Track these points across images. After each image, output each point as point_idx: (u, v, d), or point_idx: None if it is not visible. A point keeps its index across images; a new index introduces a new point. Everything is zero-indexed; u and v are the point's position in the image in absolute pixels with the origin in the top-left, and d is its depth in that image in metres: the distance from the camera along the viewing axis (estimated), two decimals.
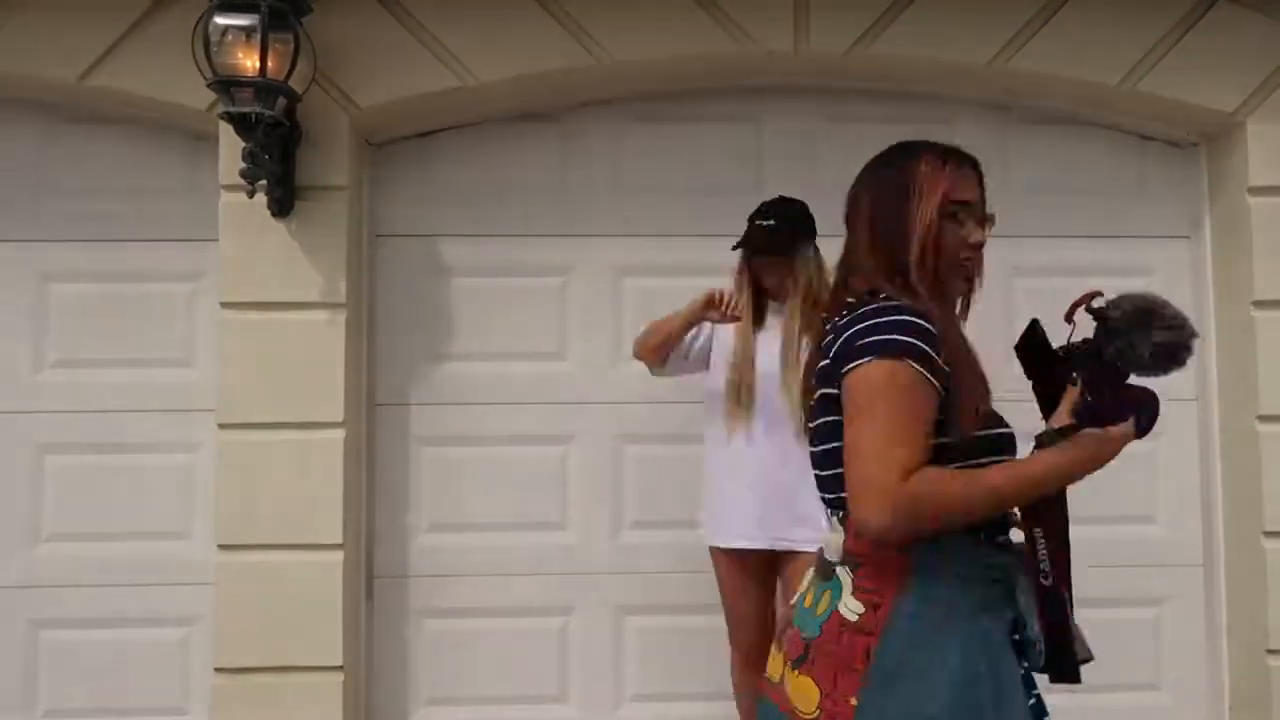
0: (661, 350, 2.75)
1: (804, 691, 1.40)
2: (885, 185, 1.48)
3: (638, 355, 2.82)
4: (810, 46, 3.07)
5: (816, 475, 1.51)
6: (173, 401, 3.16)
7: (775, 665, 1.49)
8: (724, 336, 2.71)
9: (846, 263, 1.51)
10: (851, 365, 1.35)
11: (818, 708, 1.38)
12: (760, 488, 2.58)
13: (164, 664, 3.13)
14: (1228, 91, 3.11)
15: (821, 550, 1.49)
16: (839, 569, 1.44)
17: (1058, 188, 3.33)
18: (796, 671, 1.43)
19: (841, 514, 1.45)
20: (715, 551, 2.71)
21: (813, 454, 1.51)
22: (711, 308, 2.67)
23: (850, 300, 1.46)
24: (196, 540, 3.13)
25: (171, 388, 3.16)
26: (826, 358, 1.43)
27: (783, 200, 2.68)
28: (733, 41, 3.06)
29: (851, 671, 1.36)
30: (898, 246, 1.44)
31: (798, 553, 2.52)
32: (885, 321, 1.36)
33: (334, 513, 2.95)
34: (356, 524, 3.09)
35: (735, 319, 2.68)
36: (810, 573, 1.51)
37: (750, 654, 2.66)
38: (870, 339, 1.35)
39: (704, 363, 2.77)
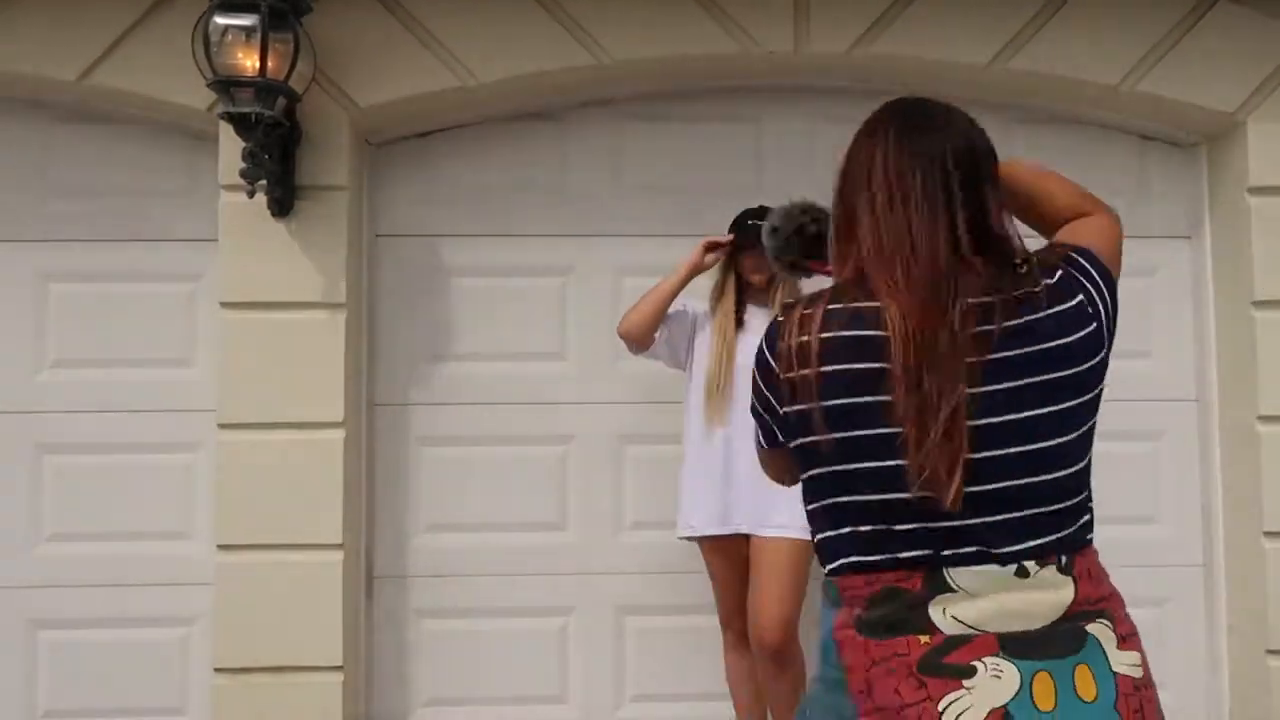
0: (654, 318, 2.80)
1: None
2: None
3: (624, 330, 2.85)
4: (810, 46, 3.07)
5: (1058, 508, 1.19)
6: (173, 401, 3.16)
7: None
8: (706, 332, 2.82)
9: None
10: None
11: None
12: (736, 477, 2.71)
13: (164, 664, 3.13)
14: (1228, 91, 3.11)
15: (1062, 621, 1.17)
16: (1091, 628, 1.17)
17: None
18: None
19: (1075, 555, 1.20)
20: (703, 542, 2.84)
21: (1057, 479, 1.20)
22: (710, 252, 2.78)
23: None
24: (196, 540, 3.13)
25: (171, 388, 3.16)
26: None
27: (764, 208, 2.74)
28: (733, 41, 3.06)
29: None
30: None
31: (768, 537, 2.69)
32: None
33: (334, 513, 2.95)
34: (356, 524, 3.09)
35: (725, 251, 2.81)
36: (1009, 668, 1.14)
37: (740, 635, 2.83)
38: None
39: (685, 349, 2.87)
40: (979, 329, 1.17)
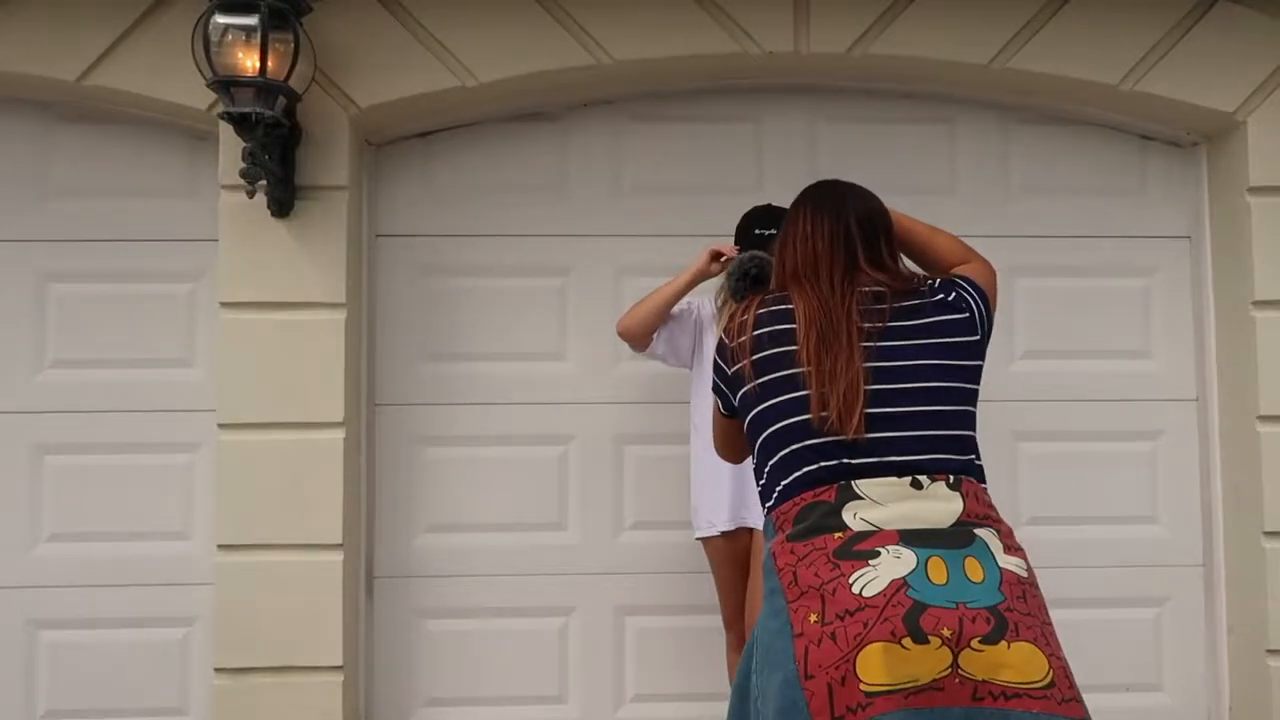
0: (653, 321, 2.80)
1: (1026, 660, 1.37)
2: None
3: (622, 328, 2.84)
4: (810, 46, 3.07)
5: (945, 435, 1.55)
6: (173, 401, 3.16)
7: (926, 660, 1.36)
8: (713, 334, 2.80)
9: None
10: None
11: (1048, 670, 1.38)
12: (745, 472, 2.65)
13: (164, 664, 3.13)
14: (1228, 91, 3.11)
15: (961, 524, 1.49)
16: (979, 531, 1.48)
17: (1058, 188, 3.33)
18: (1002, 644, 1.36)
19: (961, 476, 1.54)
20: (705, 542, 2.82)
21: (943, 413, 1.56)
22: (715, 262, 2.76)
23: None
24: (196, 540, 3.13)
25: (171, 388, 3.16)
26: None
27: (773, 210, 2.77)
28: (733, 41, 3.06)
29: (1049, 625, 1.46)
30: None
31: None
32: None
33: (334, 513, 2.95)
34: (356, 524, 3.09)
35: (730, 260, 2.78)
36: (907, 552, 1.43)
37: (742, 636, 2.79)
38: None
39: (690, 348, 2.85)
40: (874, 306, 1.60)
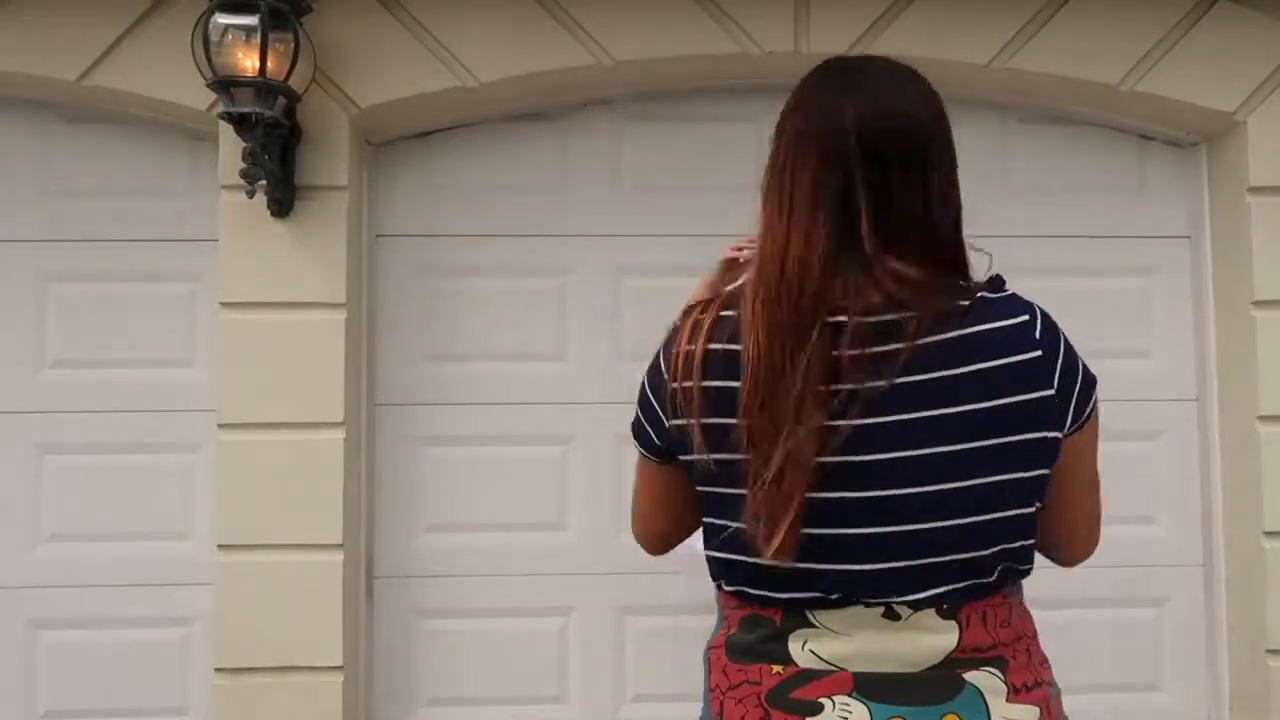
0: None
1: None
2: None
3: None
4: (810, 46, 3.07)
5: (977, 521, 1.06)
6: (173, 401, 3.16)
7: None
8: None
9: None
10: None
11: None
12: None
13: (164, 664, 3.13)
14: (1228, 91, 3.11)
15: (942, 667, 1.08)
16: (972, 676, 1.07)
17: (1058, 187, 3.33)
18: None
19: (967, 599, 1.08)
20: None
21: (977, 487, 1.05)
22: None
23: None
24: (196, 540, 3.13)
25: (171, 388, 3.16)
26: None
27: None
28: (733, 41, 3.06)
29: None
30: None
31: None
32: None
33: (334, 513, 2.95)
34: (356, 524, 3.09)
35: None
36: (859, 708, 1.07)
37: None
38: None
39: None
40: (849, 352, 1.03)
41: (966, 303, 1.06)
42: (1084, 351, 1.23)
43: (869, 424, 1.03)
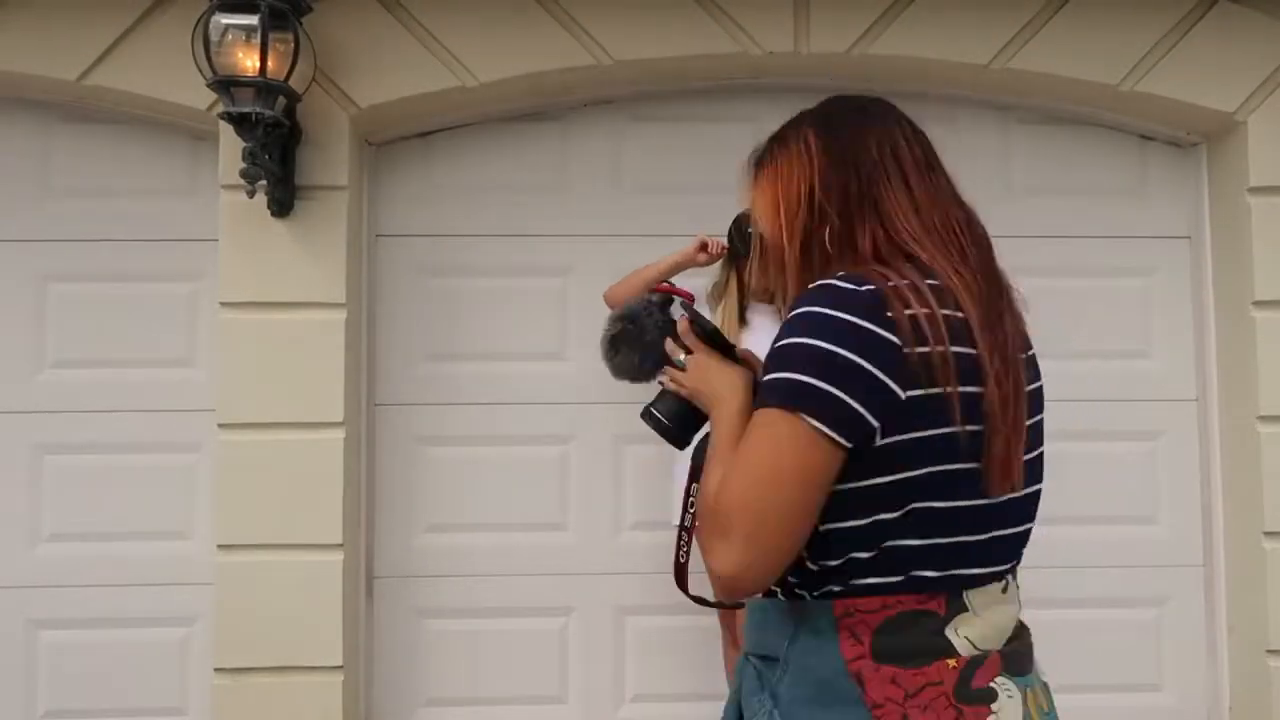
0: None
1: None
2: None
3: (608, 299, 2.85)
4: (810, 46, 3.07)
5: (1036, 491, 1.14)
6: (173, 401, 3.16)
7: None
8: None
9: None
10: None
11: None
12: None
13: (164, 664, 3.13)
14: (1228, 91, 3.11)
15: (1022, 633, 1.13)
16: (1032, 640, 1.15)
17: (1058, 188, 3.33)
18: None
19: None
20: None
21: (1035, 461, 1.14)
22: (703, 252, 2.76)
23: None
24: (196, 540, 3.13)
25: (171, 388, 3.16)
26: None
27: None
28: (733, 41, 3.06)
29: None
30: None
31: None
32: None
33: (334, 513, 2.95)
34: (356, 524, 3.09)
35: (717, 258, 2.79)
36: (1011, 685, 1.06)
37: (738, 632, 2.81)
38: None
39: None
40: (1017, 326, 1.13)
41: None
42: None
43: (1030, 390, 1.13)
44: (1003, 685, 1.05)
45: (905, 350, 1.02)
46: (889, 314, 1.02)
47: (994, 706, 1.03)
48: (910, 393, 1.02)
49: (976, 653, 1.05)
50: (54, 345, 3.18)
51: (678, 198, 3.25)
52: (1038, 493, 1.14)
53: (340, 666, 2.94)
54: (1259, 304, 3.09)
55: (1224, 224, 3.24)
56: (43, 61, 3.00)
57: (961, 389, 1.03)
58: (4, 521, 3.14)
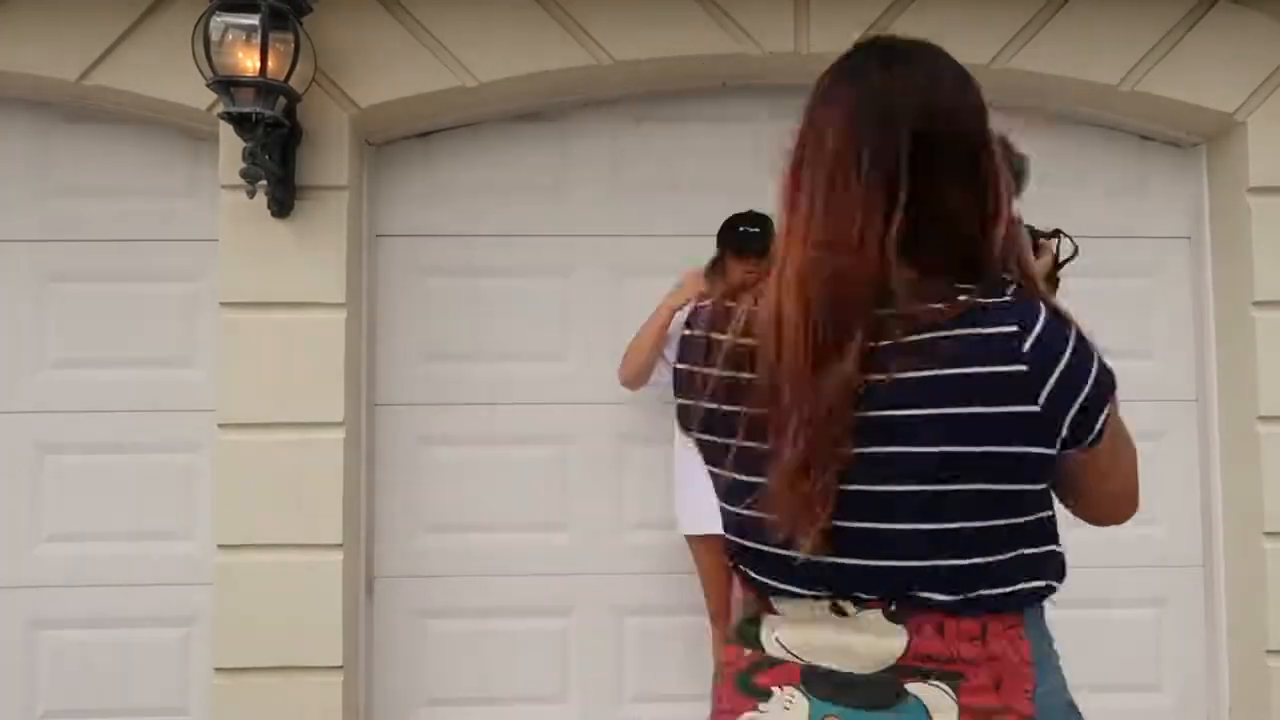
0: (650, 363, 2.89)
1: None
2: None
3: (626, 379, 2.96)
4: (810, 46, 3.07)
5: (913, 529, 1.02)
6: (173, 401, 3.16)
7: None
8: None
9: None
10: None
11: None
12: None
13: (164, 664, 3.13)
14: (1228, 91, 3.11)
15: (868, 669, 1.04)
16: (917, 688, 1.02)
17: (1058, 187, 3.32)
18: None
19: (913, 607, 1.03)
20: (691, 539, 2.89)
21: (935, 494, 1.02)
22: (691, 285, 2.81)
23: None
24: (196, 540, 3.13)
25: (171, 388, 3.16)
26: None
27: (755, 213, 2.87)
28: (733, 41, 3.06)
29: None
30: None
31: None
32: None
33: (334, 513, 2.94)
34: (356, 524, 3.09)
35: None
36: (800, 701, 1.05)
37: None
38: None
39: None
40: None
41: (940, 306, 1.01)
42: None
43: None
44: (786, 694, 1.05)
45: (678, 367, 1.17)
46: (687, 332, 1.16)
47: (762, 707, 1.06)
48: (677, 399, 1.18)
49: (781, 655, 1.07)
50: (54, 345, 3.17)
51: (678, 198, 3.25)
52: (906, 531, 1.01)
53: (340, 666, 2.94)
54: (1259, 304, 3.09)
55: (1224, 224, 3.24)
56: (43, 61, 3.00)
57: (724, 407, 1.07)
58: (4, 521, 3.13)
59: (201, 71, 2.67)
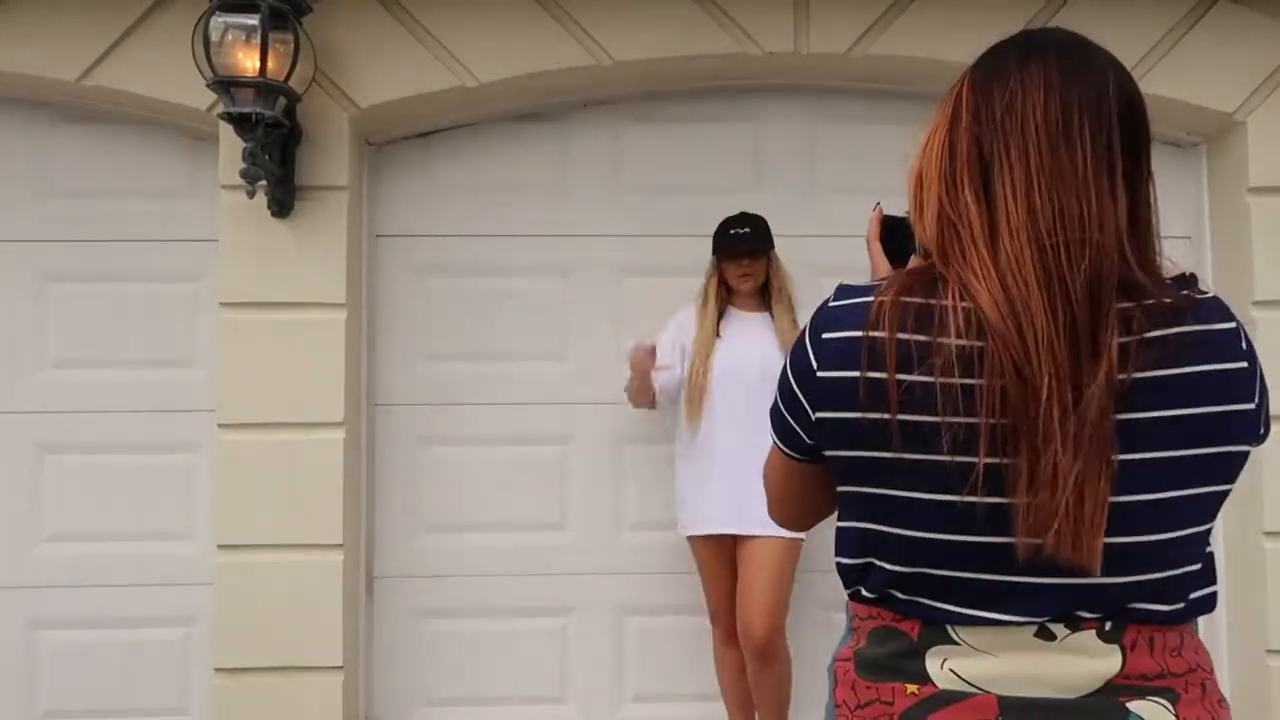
0: (648, 395, 2.92)
1: None
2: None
3: (633, 405, 3.00)
4: (810, 46, 3.07)
5: (1154, 540, 0.95)
6: (173, 401, 3.16)
7: None
8: (690, 341, 2.92)
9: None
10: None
11: None
12: (722, 478, 2.79)
13: (164, 664, 3.13)
14: (1228, 91, 3.11)
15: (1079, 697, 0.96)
16: (1136, 706, 0.95)
17: None
18: None
19: (1129, 622, 0.96)
20: (692, 540, 2.92)
21: (1165, 502, 0.95)
22: (641, 359, 2.84)
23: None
24: (196, 540, 3.13)
25: (171, 388, 3.16)
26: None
27: (746, 214, 2.92)
28: (733, 41, 3.06)
29: None
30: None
31: (755, 537, 2.75)
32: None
33: (334, 513, 2.95)
34: (356, 524, 3.09)
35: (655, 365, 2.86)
36: None
37: (729, 630, 2.89)
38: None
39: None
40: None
41: (1170, 300, 0.99)
42: None
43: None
44: None
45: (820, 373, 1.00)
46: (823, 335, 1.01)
47: None
48: (820, 414, 1.00)
49: (965, 689, 0.96)
50: (54, 345, 3.18)
51: (678, 198, 3.25)
52: (1141, 543, 0.95)
53: (340, 666, 2.94)
54: (1259, 304, 3.09)
55: (1224, 224, 3.24)
56: (43, 61, 3.00)
57: (922, 418, 0.94)
58: (4, 521, 3.14)
59: (201, 72, 2.68)
